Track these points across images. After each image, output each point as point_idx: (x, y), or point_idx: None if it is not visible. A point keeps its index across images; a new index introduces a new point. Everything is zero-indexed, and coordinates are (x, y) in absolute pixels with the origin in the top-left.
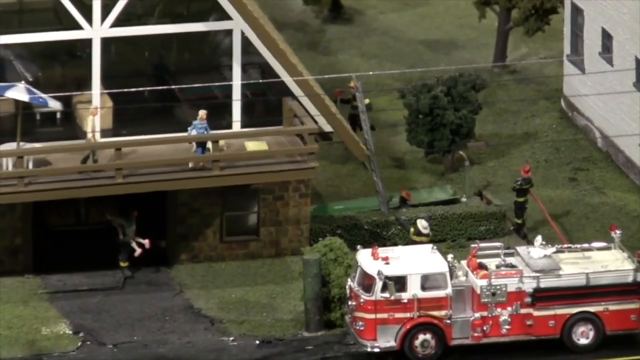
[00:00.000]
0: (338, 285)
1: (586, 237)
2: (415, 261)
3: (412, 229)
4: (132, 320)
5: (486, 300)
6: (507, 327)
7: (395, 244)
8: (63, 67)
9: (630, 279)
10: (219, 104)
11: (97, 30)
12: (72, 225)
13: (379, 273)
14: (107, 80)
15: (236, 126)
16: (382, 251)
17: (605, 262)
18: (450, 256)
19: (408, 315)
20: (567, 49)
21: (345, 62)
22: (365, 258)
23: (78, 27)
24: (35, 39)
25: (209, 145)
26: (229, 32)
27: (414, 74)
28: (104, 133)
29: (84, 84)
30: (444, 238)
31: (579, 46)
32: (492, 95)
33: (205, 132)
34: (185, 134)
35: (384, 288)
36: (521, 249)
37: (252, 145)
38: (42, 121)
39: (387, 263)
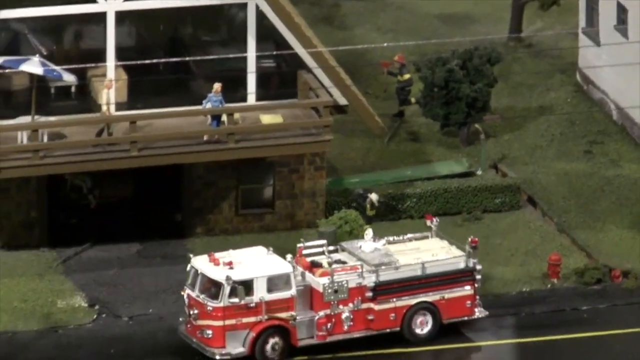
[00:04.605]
0: None
1: (602, 209)
2: (259, 264)
3: (368, 206)
4: (148, 293)
5: (329, 298)
6: (349, 323)
7: (411, 217)
8: (77, 40)
9: (462, 266)
10: (233, 77)
11: (111, 4)
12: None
13: (228, 278)
14: (122, 53)
15: (251, 99)
16: (220, 256)
17: (434, 250)
18: (289, 257)
19: (256, 319)
20: (582, 22)
21: (361, 36)
22: (204, 265)
23: (92, 0)
24: (49, 13)
25: (224, 118)
26: (243, 6)
27: (429, 47)
28: (119, 106)
29: (99, 57)
30: (459, 210)
31: (594, 19)
32: (507, 69)
33: (220, 105)
34: (200, 107)
35: (232, 293)
36: (347, 244)
37: (267, 118)
38: (57, 94)
39: (232, 268)
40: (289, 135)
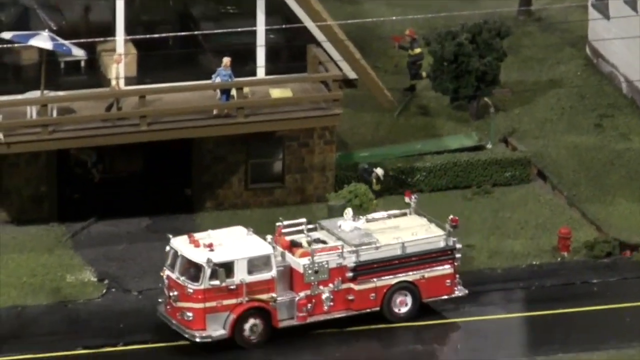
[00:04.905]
0: None
1: (612, 183)
2: (239, 245)
3: (374, 180)
4: (157, 268)
5: (309, 278)
6: (329, 304)
7: (421, 191)
8: (87, 14)
9: (442, 244)
10: (243, 51)
11: None
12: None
13: (208, 261)
14: (131, 28)
15: (260, 73)
16: (200, 237)
17: (414, 229)
18: (269, 237)
19: (236, 301)
20: None
21: (370, 10)
22: (185, 246)
23: None
24: None
25: (234, 92)
26: None
27: (438, 21)
28: (128, 80)
29: (108, 31)
30: (469, 184)
31: None
32: (517, 42)
33: (230, 79)
34: (209, 81)
35: (213, 275)
36: (326, 223)
37: (276, 93)
38: (66, 69)
39: (212, 250)
40: (298, 109)
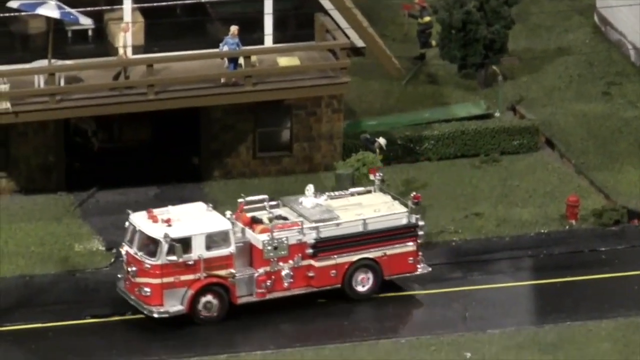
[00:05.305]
0: None
1: (620, 151)
2: (197, 221)
3: (377, 151)
4: None
5: (268, 255)
6: (289, 280)
7: (429, 159)
8: None
9: (405, 221)
10: (250, 19)
11: None
12: (105, 143)
13: (165, 236)
14: None
15: (268, 41)
16: (158, 213)
17: (376, 206)
18: (228, 213)
19: (194, 277)
20: None
21: None
22: (143, 221)
23: None
24: None
25: (241, 60)
26: None
27: None
28: (136, 49)
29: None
30: (477, 152)
31: None
32: (525, 10)
33: (237, 48)
34: (217, 50)
35: (170, 251)
36: (288, 199)
37: (284, 61)
38: (74, 38)
39: (170, 225)
40: (306, 78)
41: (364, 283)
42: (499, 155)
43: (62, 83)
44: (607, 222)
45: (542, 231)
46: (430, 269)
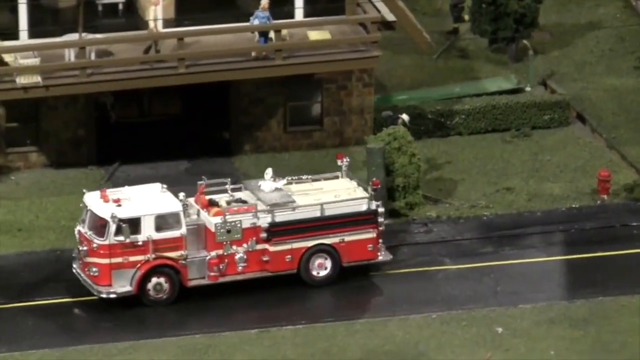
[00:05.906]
0: (402, 174)
1: None
2: (148, 202)
3: (401, 126)
4: None
5: (221, 238)
6: (243, 264)
7: (460, 134)
8: None
9: (364, 208)
10: None
11: None
12: (136, 117)
13: (113, 216)
14: None
15: (299, 15)
16: (111, 193)
17: (337, 191)
18: (181, 195)
19: (143, 258)
20: None
21: None
22: (94, 201)
23: None
24: None
25: (272, 34)
26: None
27: None
28: (166, 23)
29: None
30: (508, 127)
31: None
32: None
33: (268, 22)
34: (247, 23)
35: (118, 231)
36: (250, 183)
37: (314, 35)
38: (104, 12)
39: (119, 205)
40: (336, 52)
41: (321, 269)
42: (530, 130)
43: (93, 57)
44: (639, 196)
45: (574, 206)
46: (391, 256)
